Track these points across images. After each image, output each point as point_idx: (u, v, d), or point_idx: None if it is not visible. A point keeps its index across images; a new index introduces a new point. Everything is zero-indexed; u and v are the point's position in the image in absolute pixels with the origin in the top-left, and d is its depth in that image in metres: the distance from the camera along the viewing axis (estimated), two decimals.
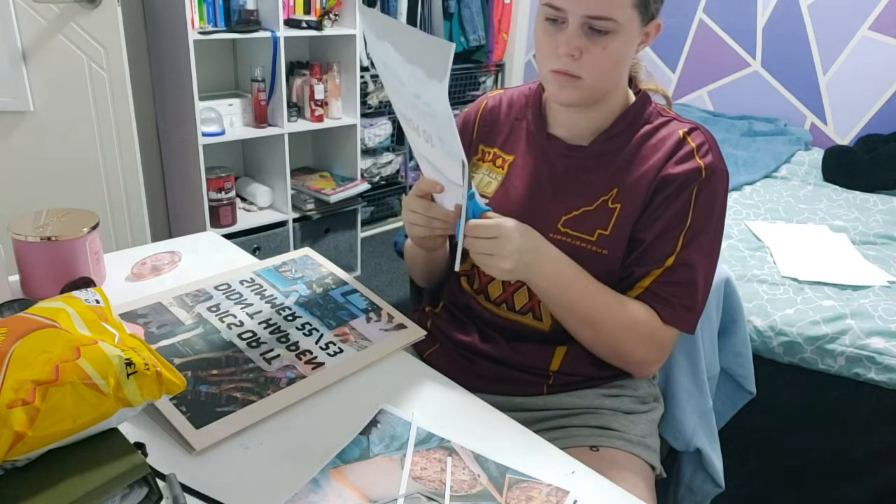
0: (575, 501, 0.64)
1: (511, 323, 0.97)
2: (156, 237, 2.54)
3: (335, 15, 2.59)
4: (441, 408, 0.77)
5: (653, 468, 0.92)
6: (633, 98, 0.93)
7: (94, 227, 0.92)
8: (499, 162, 0.99)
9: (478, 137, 1.03)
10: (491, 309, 0.98)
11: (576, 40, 0.81)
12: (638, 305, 0.87)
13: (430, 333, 1.00)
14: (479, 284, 0.99)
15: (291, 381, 0.77)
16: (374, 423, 0.72)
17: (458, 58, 3.37)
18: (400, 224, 3.22)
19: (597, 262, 0.89)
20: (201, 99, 2.29)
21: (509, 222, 0.80)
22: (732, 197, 2.21)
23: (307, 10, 2.57)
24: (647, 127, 0.92)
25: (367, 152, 3.09)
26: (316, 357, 0.82)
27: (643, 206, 0.88)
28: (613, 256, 0.89)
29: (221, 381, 0.76)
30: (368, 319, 0.91)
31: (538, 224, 0.88)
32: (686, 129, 0.90)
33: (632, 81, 0.96)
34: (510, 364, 0.96)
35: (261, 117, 2.49)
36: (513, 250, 0.79)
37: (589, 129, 0.93)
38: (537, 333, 0.96)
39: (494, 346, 0.97)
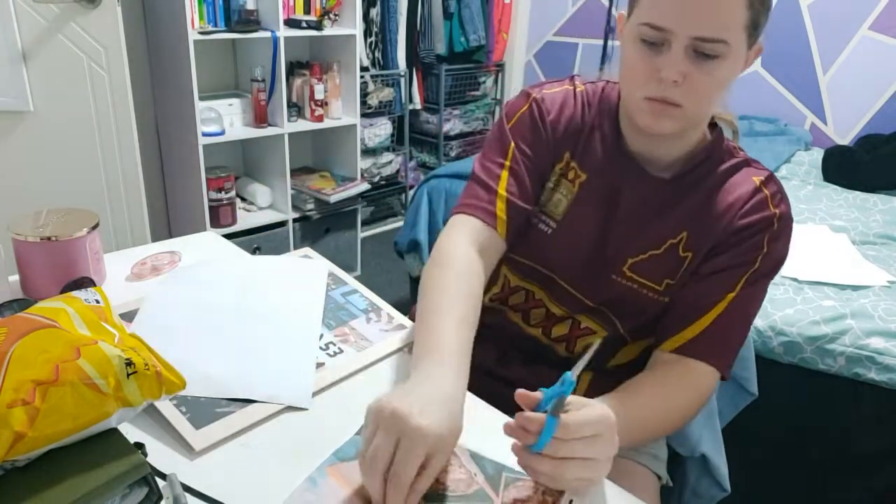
0: (571, 501, 0.64)
1: (536, 344, 0.94)
2: (156, 237, 2.54)
3: (335, 15, 2.59)
4: None
5: (659, 478, 0.92)
6: (708, 135, 0.87)
7: (94, 227, 0.92)
8: (571, 175, 0.88)
9: (563, 139, 0.89)
10: (521, 325, 0.94)
11: (681, 65, 0.72)
12: (688, 386, 0.80)
13: None
14: (525, 303, 0.93)
15: None
16: None
17: (459, 58, 3.37)
18: (400, 224, 3.22)
19: (655, 307, 0.86)
20: (201, 99, 2.29)
21: (604, 408, 0.63)
22: None
23: (307, 10, 2.57)
24: (722, 167, 0.85)
25: (367, 152, 3.09)
26: (316, 357, 0.82)
27: (711, 251, 0.84)
28: (671, 301, 0.86)
29: None
30: (368, 319, 0.91)
31: (603, 263, 0.85)
32: (762, 178, 0.84)
33: None
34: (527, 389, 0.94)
35: (261, 117, 2.49)
36: (613, 448, 0.63)
37: (665, 158, 0.85)
38: (561, 360, 0.93)
39: (511, 370, 0.94)
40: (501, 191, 0.85)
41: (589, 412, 0.62)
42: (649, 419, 0.75)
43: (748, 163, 0.87)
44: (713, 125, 0.88)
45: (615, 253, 0.86)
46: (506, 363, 0.95)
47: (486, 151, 0.90)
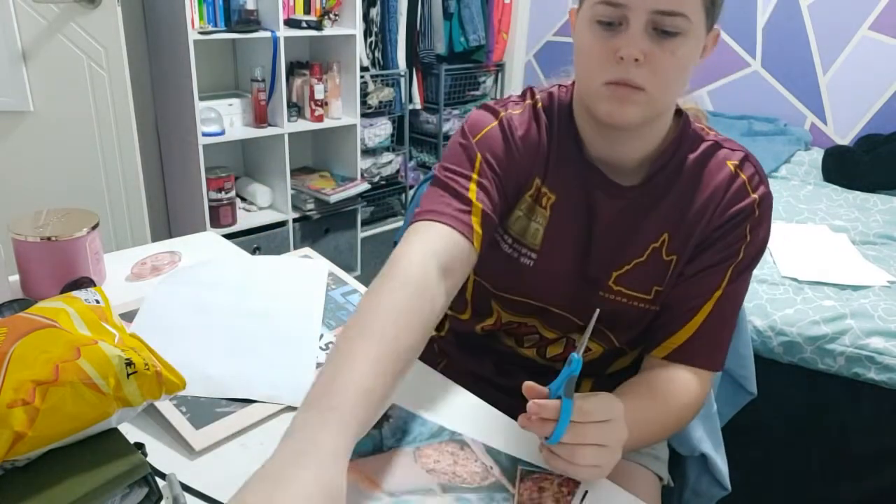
0: (585, 492, 0.65)
1: (535, 364, 0.93)
2: (156, 237, 2.54)
3: (335, 15, 2.59)
4: (450, 403, 0.77)
5: (660, 479, 0.92)
6: (672, 125, 0.83)
7: (94, 227, 0.92)
8: (544, 201, 0.84)
9: (533, 163, 0.84)
10: (515, 348, 0.93)
11: (641, 42, 0.68)
12: (684, 392, 0.79)
13: (437, 355, 0.98)
14: (518, 331, 0.92)
15: None
16: (385, 417, 0.72)
17: (458, 58, 3.37)
18: (400, 224, 3.22)
19: (647, 316, 0.84)
20: (201, 99, 2.29)
21: (611, 396, 0.66)
22: None
23: (307, 10, 2.57)
24: (693, 156, 0.81)
25: (367, 152, 3.08)
26: (316, 357, 0.82)
27: (695, 251, 0.82)
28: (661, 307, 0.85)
29: None
30: None
31: (589, 282, 0.83)
32: (736, 162, 0.81)
33: None
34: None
35: (261, 117, 2.49)
36: (624, 434, 0.65)
37: (630, 159, 0.80)
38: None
39: (513, 380, 0.91)
40: (475, 200, 0.77)
41: (599, 397, 0.65)
42: (649, 421, 0.75)
43: (719, 145, 0.82)
44: (678, 113, 0.83)
45: (599, 269, 0.83)
46: (505, 373, 0.94)
47: (449, 162, 0.82)
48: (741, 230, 0.79)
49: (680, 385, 0.80)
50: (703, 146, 0.81)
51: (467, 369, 0.95)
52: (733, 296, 0.82)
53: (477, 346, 0.96)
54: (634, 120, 0.73)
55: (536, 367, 0.93)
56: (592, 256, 0.83)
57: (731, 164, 0.80)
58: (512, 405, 0.78)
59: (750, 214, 0.79)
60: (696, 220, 0.80)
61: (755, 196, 0.79)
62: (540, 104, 0.85)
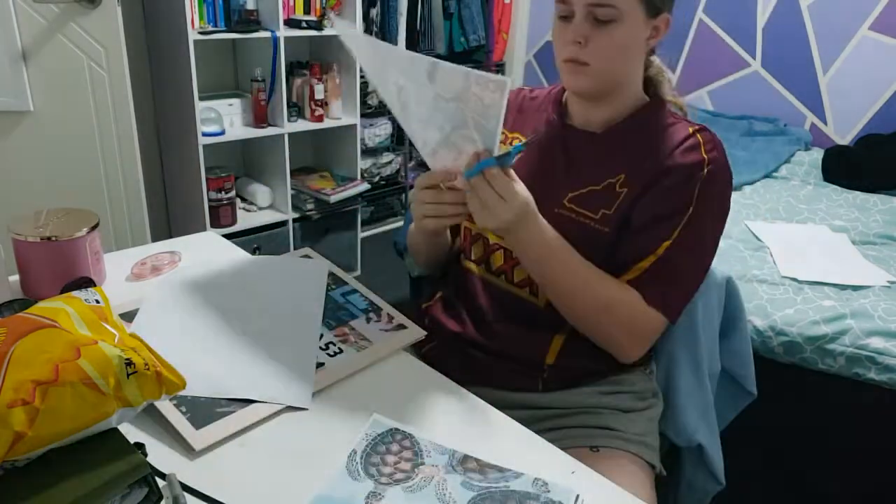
0: (577, 496, 0.64)
1: (507, 295, 0.99)
2: (156, 237, 2.54)
3: (335, 15, 2.59)
4: (439, 410, 0.77)
5: (653, 467, 0.92)
6: (647, 100, 0.97)
7: (94, 227, 0.92)
8: (523, 135, 1.04)
9: (507, 125, 1.06)
10: (488, 279, 1.01)
11: (581, 29, 0.87)
12: (619, 287, 0.90)
13: (427, 329, 1.00)
14: (483, 253, 1.02)
15: None
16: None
17: (458, 58, 3.37)
18: (400, 224, 3.22)
19: (597, 239, 0.91)
20: (201, 99, 2.29)
21: (522, 195, 0.81)
22: (732, 197, 2.21)
23: (307, 10, 2.57)
24: (658, 126, 0.95)
25: (367, 152, 3.09)
26: (316, 357, 0.82)
27: (645, 189, 0.91)
28: (614, 236, 0.92)
29: None
30: (368, 320, 0.91)
31: (545, 198, 0.90)
32: (696, 128, 0.94)
33: (649, 87, 0.99)
34: (505, 355, 0.97)
35: (261, 117, 2.49)
36: (506, 219, 0.81)
37: (602, 122, 0.96)
38: (533, 311, 0.97)
39: (488, 336, 0.99)
40: None
41: (515, 184, 0.81)
42: (569, 252, 0.88)
43: (688, 121, 0.96)
44: (661, 102, 0.97)
45: (557, 189, 0.95)
46: (483, 333, 1.00)
47: None
48: (689, 187, 0.89)
49: (623, 285, 0.90)
50: (671, 120, 0.96)
51: (452, 334, 1.02)
52: (686, 248, 0.89)
53: (460, 295, 1.05)
54: (586, 87, 0.92)
55: (508, 300, 1.00)
56: (552, 180, 0.96)
57: (691, 129, 0.93)
58: (491, 365, 0.98)
59: (698, 171, 0.89)
60: (649, 161, 0.92)
61: (706, 156, 0.90)
62: (547, 89, 1.07)
